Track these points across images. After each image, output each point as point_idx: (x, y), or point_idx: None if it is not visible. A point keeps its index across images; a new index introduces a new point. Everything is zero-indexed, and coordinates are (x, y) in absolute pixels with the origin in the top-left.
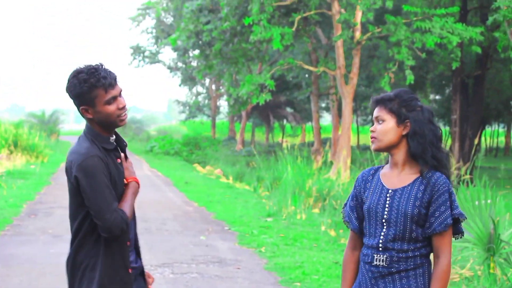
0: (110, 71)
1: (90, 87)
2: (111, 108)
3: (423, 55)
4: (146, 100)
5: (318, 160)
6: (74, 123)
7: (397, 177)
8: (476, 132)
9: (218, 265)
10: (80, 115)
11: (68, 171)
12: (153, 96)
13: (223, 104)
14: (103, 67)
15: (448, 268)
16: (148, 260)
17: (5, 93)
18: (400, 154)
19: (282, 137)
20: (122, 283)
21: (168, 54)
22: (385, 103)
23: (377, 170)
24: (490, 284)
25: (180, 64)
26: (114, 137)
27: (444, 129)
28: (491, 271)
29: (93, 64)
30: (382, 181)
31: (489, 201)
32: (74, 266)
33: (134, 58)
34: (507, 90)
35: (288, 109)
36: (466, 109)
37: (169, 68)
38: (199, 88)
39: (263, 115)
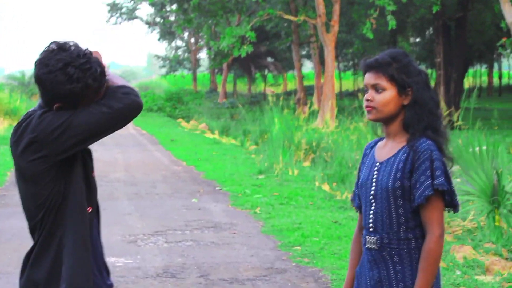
0: (102, 65)
1: (84, 88)
2: None
3: (404, 0)
4: (125, 55)
5: (305, 111)
6: None
7: (388, 148)
8: (461, 74)
9: (213, 231)
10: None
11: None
12: (132, 51)
13: (203, 57)
14: (93, 57)
15: (436, 245)
16: (141, 228)
17: None
18: (395, 124)
19: (264, 87)
20: None
21: (145, 10)
22: (383, 68)
23: (378, 141)
24: (497, 238)
25: (158, 19)
26: None
27: (428, 71)
28: (497, 224)
29: (81, 49)
30: (375, 153)
31: (484, 147)
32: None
33: (112, 16)
34: (489, 30)
35: (269, 59)
36: (449, 51)
37: (147, 23)
38: (178, 42)
39: (244, 66)
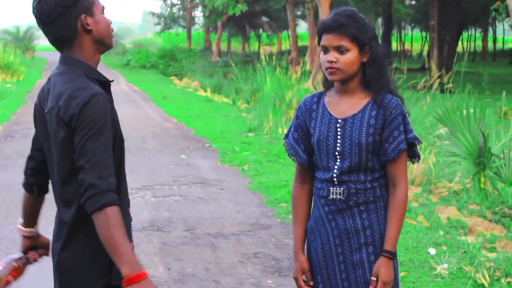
0: None
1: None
2: (108, 18)
3: None
4: (120, 12)
5: (297, 70)
6: None
7: (346, 104)
8: (455, 37)
9: (200, 186)
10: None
11: (53, 115)
12: (127, 7)
13: (199, 15)
14: None
15: (406, 197)
16: (129, 183)
17: None
18: (354, 82)
19: (259, 47)
20: None
21: None
22: (345, 29)
23: (320, 96)
24: (481, 200)
25: None
26: None
27: (421, 34)
28: (482, 186)
29: None
30: (329, 109)
31: (471, 110)
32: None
33: None
34: None
35: (264, 18)
36: (444, 14)
37: None
38: None
39: (239, 25)
